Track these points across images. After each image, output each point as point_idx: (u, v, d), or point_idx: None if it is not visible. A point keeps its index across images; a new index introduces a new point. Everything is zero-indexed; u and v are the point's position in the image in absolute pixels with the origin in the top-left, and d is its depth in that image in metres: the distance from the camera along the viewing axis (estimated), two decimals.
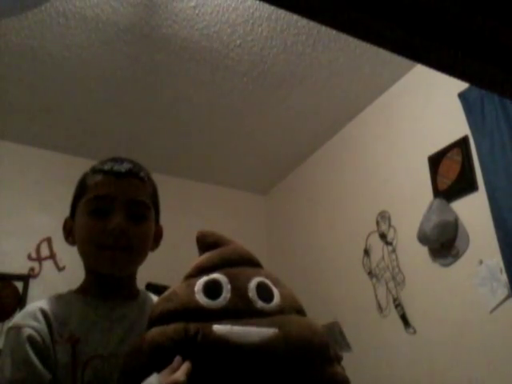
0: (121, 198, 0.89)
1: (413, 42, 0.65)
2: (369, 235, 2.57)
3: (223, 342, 0.73)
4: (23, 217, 2.91)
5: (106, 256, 0.88)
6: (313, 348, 0.78)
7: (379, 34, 0.64)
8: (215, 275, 0.81)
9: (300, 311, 0.85)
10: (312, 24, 2.14)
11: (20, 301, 2.71)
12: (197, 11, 2.11)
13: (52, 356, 0.79)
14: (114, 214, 0.88)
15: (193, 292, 0.79)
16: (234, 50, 2.34)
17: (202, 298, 0.78)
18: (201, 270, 0.84)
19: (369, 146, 2.73)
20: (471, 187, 2.04)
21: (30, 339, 0.78)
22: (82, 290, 0.93)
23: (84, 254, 0.92)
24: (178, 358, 0.71)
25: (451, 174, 2.14)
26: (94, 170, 0.94)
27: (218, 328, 0.74)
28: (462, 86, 2.04)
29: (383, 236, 2.48)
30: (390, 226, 2.45)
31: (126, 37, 2.23)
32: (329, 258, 2.88)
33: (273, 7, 2.01)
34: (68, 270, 2.84)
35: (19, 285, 2.76)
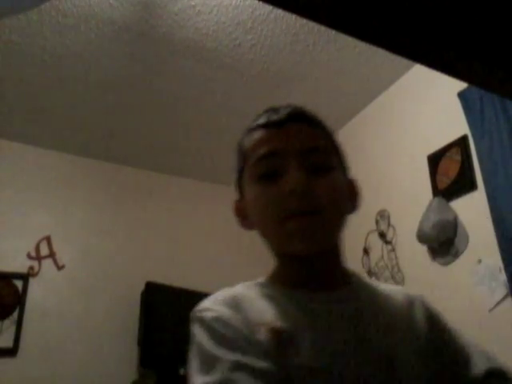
0: (291, 150, 0.67)
1: (412, 42, 0.65)
2: (368, 234, 2.57)
3: None
4: (23, 216, 2.91)
5: (292, 227, 0.64)
6: None
7: (379, 34, 0.64)
8: None
9: None
10: (312, 24, 2.14)
11: (19, 299, 2.72)
12: (197, 11, 2.11)
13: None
14: (288, 172, 0.65)
15: None
16: (233, 50, 2.34)
17: None
18: None
19: (368, 145, 2.73)
20: (470, 186, 2.04)
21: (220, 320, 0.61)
22: (278, 280, 0.70)
23: (264, 234, 0.69)
24: None
25: (450, 173, 2.14)
26: (249, 129, 0.74)
27: None
28: (462, 85, 2.04)
29: (382, 235, 2.48)
30: (389, 224, 2.46)
31: (126, 36, 2.23)
32: None
33: (273, 7, 2.01)
34: (67, 269, 2.83)
35: (19, 283, 2.76)
